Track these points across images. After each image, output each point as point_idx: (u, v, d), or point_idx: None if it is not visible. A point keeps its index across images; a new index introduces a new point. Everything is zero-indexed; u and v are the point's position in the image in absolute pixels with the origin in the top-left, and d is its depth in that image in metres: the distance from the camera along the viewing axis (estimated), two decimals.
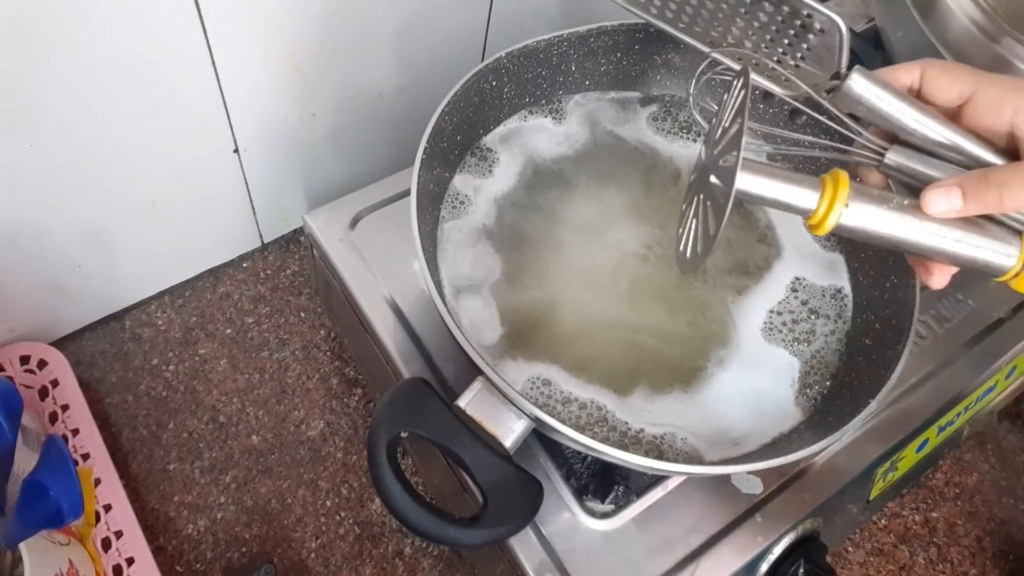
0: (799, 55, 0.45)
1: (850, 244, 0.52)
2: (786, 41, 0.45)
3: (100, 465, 0.54)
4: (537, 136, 0.54)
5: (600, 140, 0.55)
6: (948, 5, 0.54)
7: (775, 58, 0.45)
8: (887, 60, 0.58)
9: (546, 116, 0.55)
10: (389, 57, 0.58)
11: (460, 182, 0.52)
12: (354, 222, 0.54)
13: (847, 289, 0.51)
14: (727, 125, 0.38)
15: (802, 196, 0.36)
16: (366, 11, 0.53)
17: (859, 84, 0.39)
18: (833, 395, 0.47)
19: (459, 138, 0.51)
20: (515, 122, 0.54)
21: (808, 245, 0.53)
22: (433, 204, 0.49)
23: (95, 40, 0.43)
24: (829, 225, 0.36)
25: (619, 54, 0.54)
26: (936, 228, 0.36)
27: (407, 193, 0.44)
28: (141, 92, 0.48)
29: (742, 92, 0.37)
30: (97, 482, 0.54)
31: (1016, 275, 0.37)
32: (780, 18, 0.44)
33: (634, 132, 0.56)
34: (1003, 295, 0.58)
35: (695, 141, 0.56)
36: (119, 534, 0.52)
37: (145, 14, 0.44)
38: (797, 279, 0.51)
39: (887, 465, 0.53)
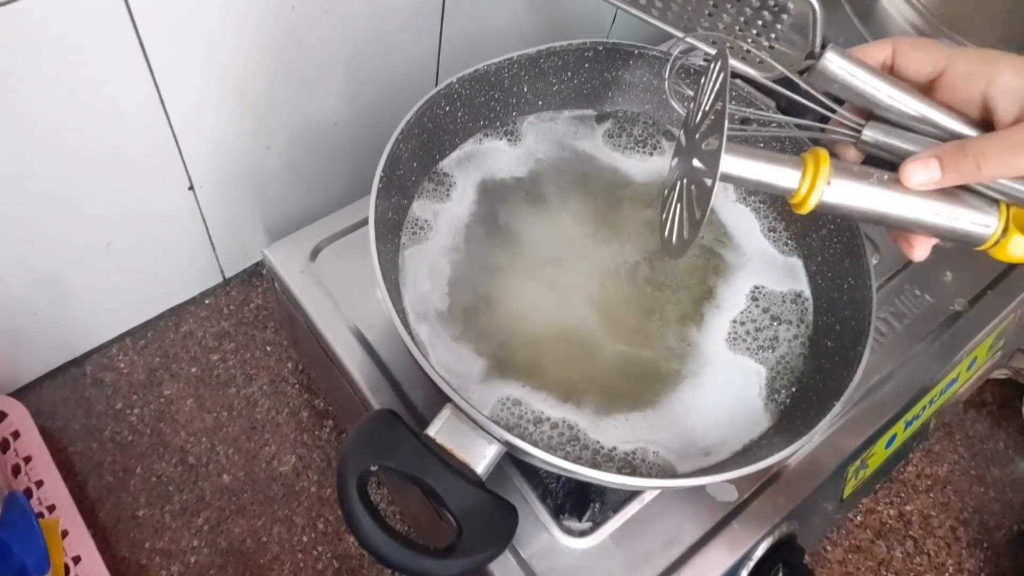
0: (772, 36, 0.45)
1: (807, 247, 0.53)
2: (759, 22, 0.46)
3: (67, 516, 0.53)
4: (493, 158, 0.54)
5: (556, 159, 0.55)
6: (886, 9, 0.55)
7: (749, 40, 0.45)
8: None
9: (501, 138, 0.55)
10: (341, 86, 0.58)
11: (419, 208, 0.52)
12: (314, 253, 0.54)
13: (807, 292, 0.52)
14: (707, 108, 0.38)
15: (785, 175, 0.37)
16: (315, 43, 0.53)
17: (833, 62, 0.39)
18: (800, 399, 0.47)
19: (415, 164, 0.51)
20: (471, 146, 0.55)
21: (766, 251, 0.53)
22: (393, 232, 0.49)
23: (38, 84, 0.43)
24: (812, 203, 0.37)
25: (569, 73, 0.55)
26: (915, 201, 0.37)
27: (366, 222, 0.44)
28: (88, 134, 0.47)
29: (721, 75, 0.37)
30: (64, 534, 0.52)
31: (996, 243, 0.38)
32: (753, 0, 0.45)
33: (590, 149, 0.56)
34: (959, 288, 0.59)
35: (651, 155, 0.57)
36: None
37: (88, 57, 0.43)
38: (757, 287, 0.52)
39: (858, 463, 0.54)
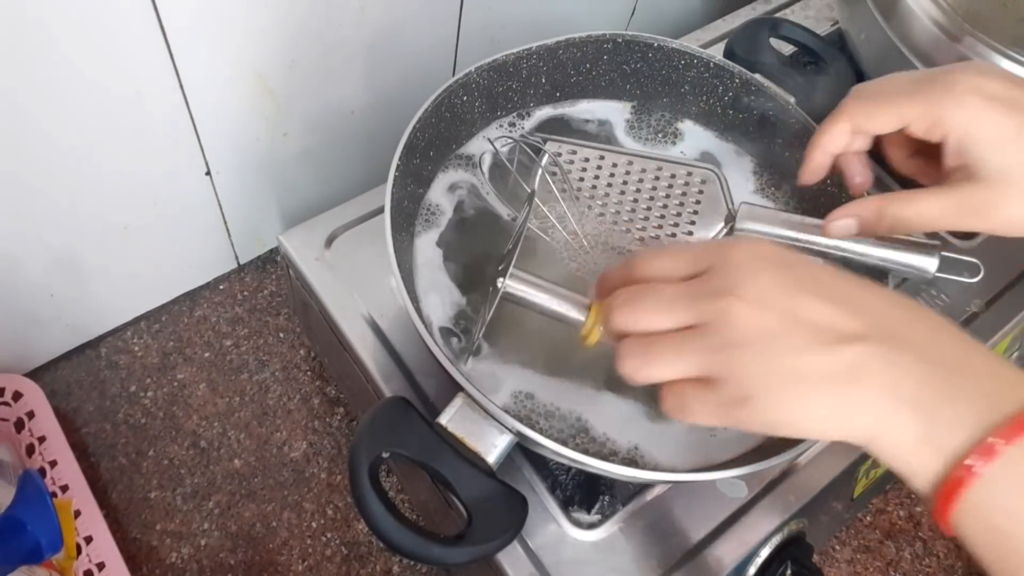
0: (693, 211, 0.51)
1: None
2: (678, 203, 0.51)
3: (79, 496, 0.54)
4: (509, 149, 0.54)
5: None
6: (910, 6, 0.54)
7: (674, 222, 0.51)
8: (852, 62, 0.59)
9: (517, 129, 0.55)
10: (360, 75, 0.58)
11: (434, 196, 0.52)
12: (329, 241, 0.54)
13: None
14: (514, 237, 0.44)
15: (571, 311, 0.40)
16: (335, 30, 0.53)
17: (746, 223, 0.47)
18: None
19: (432, 153, 0.51)
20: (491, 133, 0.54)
21: None
22: (408, 220, 0.49)
23: (61, 67, 0.43)
24: (593, 340, 0.40)
25: (588, 65, 0.54)
26: None
27: (382, 210, 0.44)
28: (109, 118, 0.48)
29: (526, 212, 0.44)
30: (77, 514, 0.53)
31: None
32: (667, 184, 0.52)
33: (611, 140, 0.56)
34: (976, 289, 0.59)
35: (673, 144, 0.56)
36: (101, 566, 0.51)
37: (110, 40, 0.43)
38: None
39: (869, 463, 0.53)
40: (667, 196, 0.52)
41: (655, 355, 0.32)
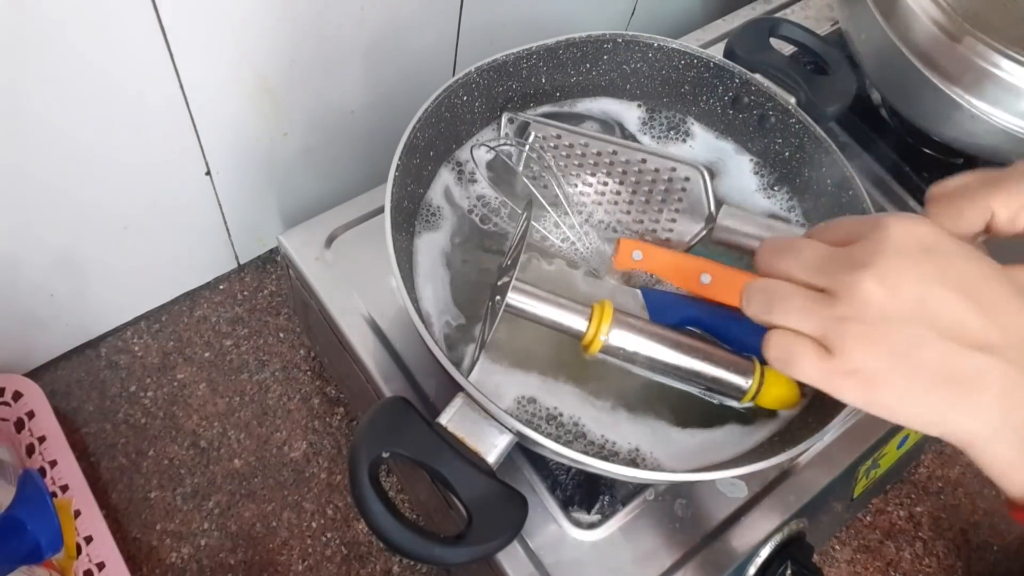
0: (675, 208, 0.51)
1: None
2: (660, 199, 0.52)
3: (79, 496, 0.54)
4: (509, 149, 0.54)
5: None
6: (910, 6, 0.54)
7: (655, 219, 0.51)
8: (852, 62, 0.59)
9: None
10: (359, 74, 0.58)
11: (434, 196, 0.52)
12: (329, 240, 0.54)
13: None
14: (513, 248, 0.44)
15: (572, 320, 0.41)
16: (334, 29, 0.53)
17: (726, 221, 0.48)
18: (814, 396, 0.47)
19: (432, 153, 0.51)
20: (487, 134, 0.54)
21: None
22: (408, 220, 0.49)
23: (60, 67, 0.43)
24: (596, 348, 0.41)
25: (588, 64, 0.54)
26: (684, 357, 0.43)
27: (382, 210, 0.44)
28: (108, 117, 0.48)
29: (524, 224, 0.44)
30: (77, 514, 0.53)
31: (753, 396, 0.43)
32: (650, 178, 0.52)
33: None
34: None
35: (684, 141, 0.56)
36: (101, 566, 0.51)
37: (110, 40, 0.43)
38: None
39: (869, 463, 0.53)
40: (649, 191, 0.52)
41: (779, 303, 0.32)
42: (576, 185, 0.52)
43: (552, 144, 0.52)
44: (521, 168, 0.52)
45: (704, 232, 0.50)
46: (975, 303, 0.30)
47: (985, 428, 0.30)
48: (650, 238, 0.51)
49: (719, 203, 0.51)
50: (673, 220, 0.51)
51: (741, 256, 0.51)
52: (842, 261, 0.31)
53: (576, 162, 0.52)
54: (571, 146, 0.52)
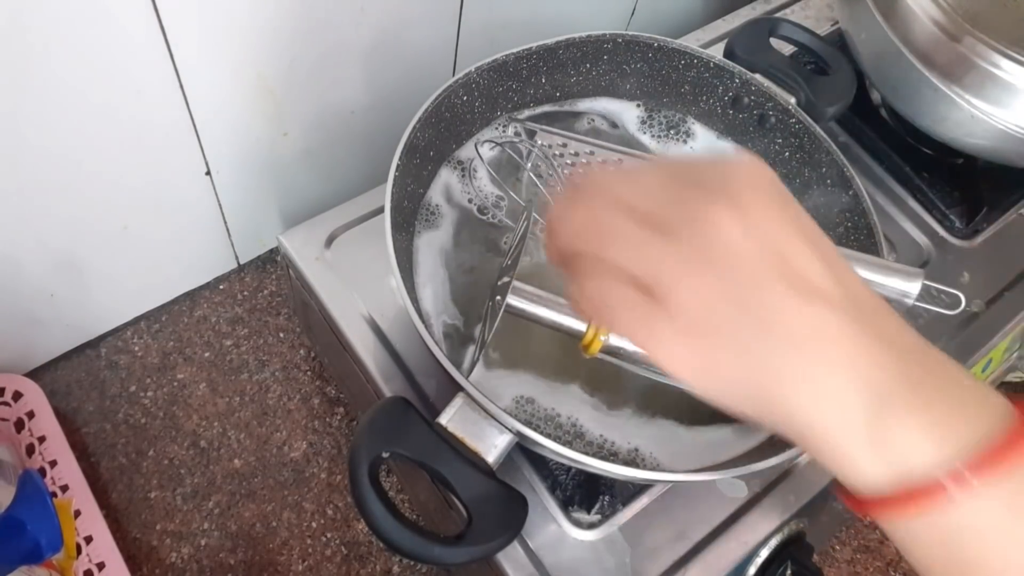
0: None
1: None
2: None
3: (79, 496, 0.54)
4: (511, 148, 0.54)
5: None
6: (910, 6, 0.54)
7: None
8: (852, 62, 0.59)
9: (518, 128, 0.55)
10: (360, 75, 0.58)
11: (434, 196, 0.52)
12: (329, 240, 0.54)
13: None
14: (514, 250, 0.44)
15: (571, 322, 0.40)
16: (335, 29, 0.53)
17: None
18: None
19: (432, 153, 0.51)
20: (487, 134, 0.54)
21: None
22: (408, 220, 0.49)
23: (60, 67, 0.43)
24: (595, 348, 0.40)
25: (588, 64, 0.54)
26: None
27: (382, 210, 0.44)
28: (108, 117, 0.47)
29: (525, 224, 0.43)
30: (77, 514, 0.53)
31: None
32: None
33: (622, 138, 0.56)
34: (976, 289, 0.59)
35: (684, 142, 0.56)
36: (101, 566, 0.51)
37: (109, 40, 0.43)
38: None
39: None
40: None
41: (609, 236, 0.27)
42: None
43: (558, 152, 0.52)
44: (529, 166, 0.52)
45: None
46: (820, 254, 0.26)
47: (827, 394, 0.25)
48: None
49: None
50: None
51: None
52: (691, 191, 0.27)
53: (581, 170, 0.52)
54: (576, 154, 0.52)
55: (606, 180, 0.28)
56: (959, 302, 0.48)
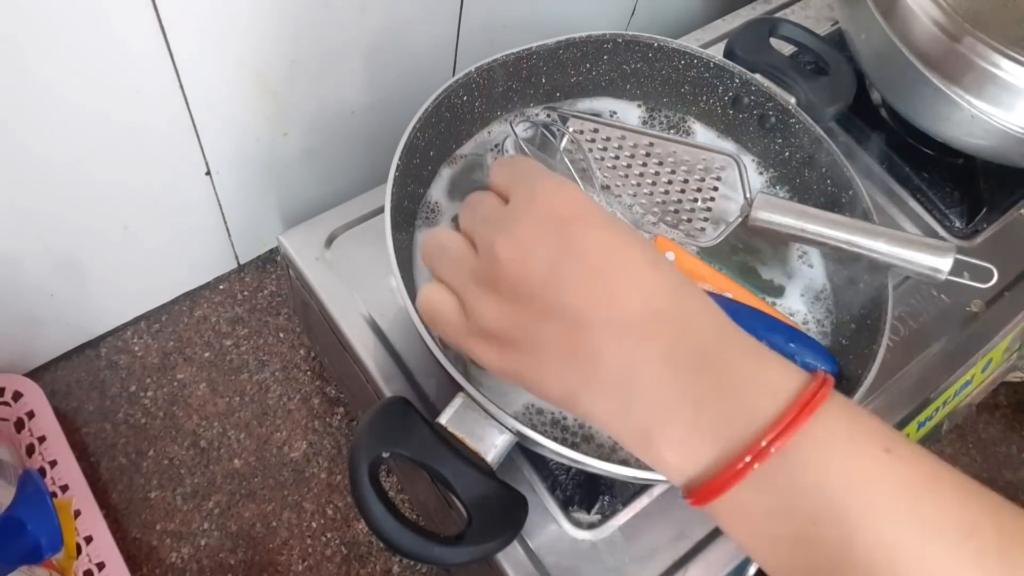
0: (710, 198, 0.52)
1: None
2: (696, 188, 0.53)
3: (79, 496, 0.54)
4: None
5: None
6: (909, 6, 0.54)
7: (691, 207, 0.52)
8: (852, 62, 0.59)
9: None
10: (360, 75, 0.58)
11: (435, 196, 0.52)
12: (329, 240, 0.54)
13: (828, 289, 0.51)
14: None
15: None
16: (335, 30, 0.53)
17: (762, 209, 0.48)
18: None
19: (432, 153, 0.51)
20: (484, 136, 0.55)
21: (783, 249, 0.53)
22: (408, 220, 0.49)
23: (60, 66, 0.43)
24: None
25: (588, 65, 0.54)
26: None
27: (382, 210, 0.44)
28: (108, 117, 0.47)
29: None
30: (77, 514, 0.53)
31: None
32: (685, 168, 0.53)
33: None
34: (976, 289, 0.58)
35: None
36: (101, 566, 0.51)
37: (109, 39, 0.43)
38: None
39: None
40: (685, 181, 0.53)
41: (439, 254, 0.33)
42: (613, 177, 0.52)
43: (590, 138, 0.53)
44: (563, 146, 0.52)
45: (740, 220, 0.49)
46: (600, 277, 0.29)
47: (613, 414, 0.29)
48: (685, 228, 0.51)
49: (754, 191, 0.51)
50: (708, 209, 0.52)
51: (776, 247, 0.52)
52: (489, 219, 0.32)
53: (613, 154, 0.53)
54: (608, 139, 0.54)
55: (468, 203, 0.34)
56: (991, 275, 0.47)
